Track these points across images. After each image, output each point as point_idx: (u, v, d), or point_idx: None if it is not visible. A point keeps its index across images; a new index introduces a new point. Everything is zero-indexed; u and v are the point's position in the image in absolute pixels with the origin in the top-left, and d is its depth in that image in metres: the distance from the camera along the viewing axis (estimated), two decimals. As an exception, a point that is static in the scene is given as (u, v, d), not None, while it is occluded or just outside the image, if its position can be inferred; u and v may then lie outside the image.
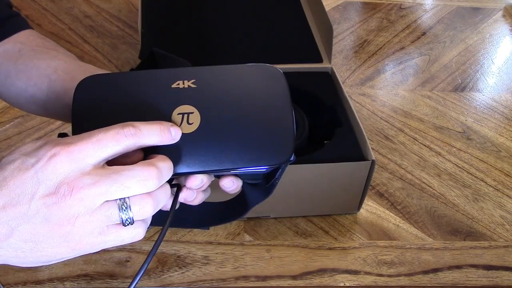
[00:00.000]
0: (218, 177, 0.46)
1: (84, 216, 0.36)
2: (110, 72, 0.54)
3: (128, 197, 0.37)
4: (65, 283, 0.63)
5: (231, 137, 0.42)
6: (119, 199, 0.37)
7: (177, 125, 0.41)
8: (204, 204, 0.47)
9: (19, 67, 0.56)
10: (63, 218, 0.36)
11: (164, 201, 0.40)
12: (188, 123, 0.42)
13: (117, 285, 0.63)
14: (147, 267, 0.41)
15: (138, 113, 0.42)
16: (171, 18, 0.94)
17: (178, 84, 0.43)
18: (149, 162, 0.38)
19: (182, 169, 0.41)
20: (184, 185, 0.44)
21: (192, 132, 0.42)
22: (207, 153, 0.42)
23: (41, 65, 0.55)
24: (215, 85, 0.44)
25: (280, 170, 0.45)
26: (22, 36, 0.59)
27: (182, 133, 0.41)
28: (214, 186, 0.47)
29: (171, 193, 0.45)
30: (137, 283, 0.41)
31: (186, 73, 0.44)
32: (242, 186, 0.47)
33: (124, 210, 0.37)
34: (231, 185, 0.46)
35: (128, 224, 0.37)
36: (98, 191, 0.36)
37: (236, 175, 0.46)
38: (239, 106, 0.43)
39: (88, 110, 0.42)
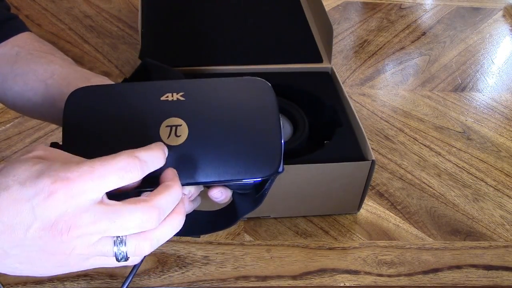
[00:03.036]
0: (208, 187, 0.46)
1: (80, 249, 0.35)
2: (108, 81, 0.55)
3: (125, 235, 0.36)
4: (65, 283, 0.63)
5: (218, 150, 0.42)
6: (116, 236, 0.36)
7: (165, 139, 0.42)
8: (194, 213, 0.47)
9: (16, 71, 0.56)
10: (59, 250, 0.35)
11: (166, 238, 0.38)
12: (176, 136, 0.42)
13: (117, 285, 0.63)
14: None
15: (127, 126, 0.42)
16: (171, 18, 0.93)
17: (167, 96, 0.44)
18: (151, 204, 0.36)
19: None
20: None
21: (180, 144, 0.42)
22: (194, 165, 0.42)
23: (38, 70, 0.55)
24: (203, 98, 0.45)
25: (269, 181, 0.45)
26: (20, 39, 0.59)
27: (170, 145, 0.41)
28: (204, 196, 0.47)
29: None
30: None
31: (175, 86, 0.45)
32: (232, 195, 0.47)
33: (119, 246, 0.36)
34: (219, 195, 0.46)
35: (122, 260, 0.37)
36: (95, 230, 0.35)
37: (225, 186, 0.46)
38: (227, 119, 0.44)
39: (78, 123, 0.43)
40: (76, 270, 0.37)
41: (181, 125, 0.42)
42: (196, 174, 0.42)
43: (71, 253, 0.35)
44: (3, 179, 0.35)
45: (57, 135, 0.82)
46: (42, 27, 1.05)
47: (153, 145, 0.39)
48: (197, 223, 0.51)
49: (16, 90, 0.56)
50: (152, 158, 0.38)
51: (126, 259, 0.37)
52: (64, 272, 0.37)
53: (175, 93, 0.44)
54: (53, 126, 0.83)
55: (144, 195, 0.38)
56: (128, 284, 0.43)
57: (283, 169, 0.44)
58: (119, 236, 0.36)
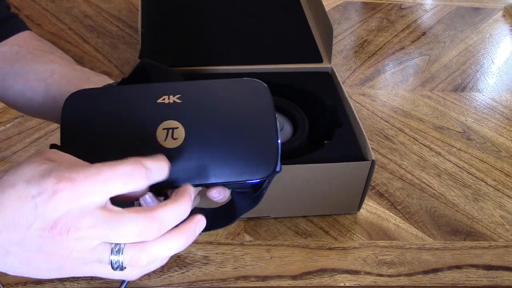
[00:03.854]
0: (206, 186, 0.46)
1: (78, 252, 0.35)
2: (108, 80, 0.55)
3: (124, 244, 0.36)
4: (65, 283, 0.63)
5: (215, 152, 0.43)
6: (114, 244, 0.36)
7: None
8: (193, 211, 0.48)
9: (17, 70, 0.56)
10: (57, 251, 0.35)
11: (165, 254, 0.37)
12: (173, 138, 0.42)
13: (117, 285, 0.63)
14: None
15: (124, 128, 0.42)
16: (171, 18, 0.93)
17: (164, 99, 0.44)
18: (152, 215, 0.36)
19: (166, 183, 0.41)
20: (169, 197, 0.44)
21: (177, 147, 0.42)
22: (191, 167, 0.42)
23: (38, 69, 0.55)
24: (200, 100, 0.45)
25: (267, 181, 0.45)
26: (20, 38, 0.59)
27: (167, 148, 0.41)
28: (203, 194, 0.47)
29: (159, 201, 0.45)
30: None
31: (171, 88, 0.45)
32: (231, 194, 0.48)
33: (115, 254, 0.36)
34: (218, 195, 0.46)
35: (117, 268, 0.36)
36: (94, 235, 0.35)
37: (223, 185, 0.46)
38: (223, 121, 0.44)
39: (75, 126, 0.43)
40: (72, 275, 0.37)
41: (177, 128, 0.43)
42: (193, 176, 0.42)
43: (68, 256, 0.35)
44: (11, 177, 0.35)
45: (57, 135, 0.82)
46: (42, 27, 1.05)
47: (158, 155, 0.38)
48: None
49: (16, 89, 0.56)
50: (157, 168, 0.37)
51: (122, 268, 0.36)
52: (60, 277, 0.37)
53: (171, 96, 0.44)
54: (53, 126, 0.83)
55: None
56: (125, 284, 0.43)
57: (280, 169, 0.44)
58: (117, 244, 0.35)
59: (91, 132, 0.42)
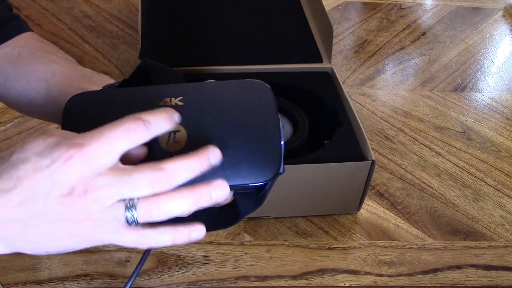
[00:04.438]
0: None
1: (96, 213, 0.37)
2: (110, 80, 0.55)
3: (137, 198, 0.37)
4: (65, 283, 0.63)
5: None
6: (128, 199, 0.37)
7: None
8: (196, 212, 0.47)
9: (18, 71, 0.56)
10: (77, 215, 0.36)
11: (176, 210, 0.38)
12: (175, 141, 0.42)
13: (117, 285, 0.63)
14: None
15: None
16: (171, 18, 0.93)
17: (166, 101, 0.43)
18: (160, 166, 0.37)
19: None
20: None
21: (179, 150, 0.42)
22: None
23: (40, 69, 0.55)
24: (202, 102, 0.44)
25: (270, 182, 0.45)
26: (22, 39, 0.59)
27: (169, 152, 0.41)
28: None
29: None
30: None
31: (173, 91, 0.44)
32: (234, 195, 0.48)
33: (129, 210, 0.37)
34: None
35: (132, 223, 0.38)
36: (110, 193, 0.36)
37: None
38: (226, 124, 0.44)
39: (76, 128, 0.43)
40: (88, 245, 0.39)
41: (179, 131, 0.42)
42: (196, 179, 0.41)
43: (87, 219, 0.37)
44: (21, 154, 0.36)
45: (57, 135, 0.82)
46: (42, 27, 1.05)
47: (157, 108, 0.39)
48: (199, 221, 0.51)
49: (18, 89, 0.56)
50: (156, 119, 0.38)
51: (136, 222, 0.37)
52: (77, 247, 0.39)
53: (173, 98, 0.44)
54: (53, 126, 0.83)
55: None
56: (130, 285, 0.43)
57: (283, 170, 0.43)
58: (131, 199, 0.37)
59: None
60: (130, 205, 0.37)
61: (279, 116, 0.45)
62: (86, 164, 0.36)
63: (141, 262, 0.42)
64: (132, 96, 0.44)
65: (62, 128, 0.43)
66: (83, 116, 0.44)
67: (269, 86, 0.47)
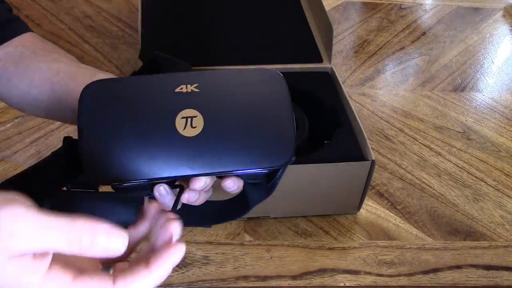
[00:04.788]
0: (220, 177, 0.46)
1: None
2: (114, 76, 0.55)
3: None
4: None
5: (233, 140, 0.43)
6: None
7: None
8: (206, 203, 0.48)
9: (21, 70, 0.56)
10: None
11: None
12: (192, 127, 0.42)
13: (117, 285, 0.63)
14: None
15: (144, 117, 0.43)
16: (171, 18, 0.94)
17: (182, 88, 0.44)
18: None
19: (186, 171, 0.42)
20: (187, 187, 0.45)
21: (196, 135, 0.42)
22: (210, 156, 0.42)
23: (43, 68, 0.55)
24: (217, 89, 0.45)
25: (281, 170, 0.45)
26: (23, 39, 0.59)
27: (186, 137, 0.42)
28: (215, 185, 0.47)
29: (174, 193, 0.45)
30: None
31: (189, 78, 0.45)
32: (244, 186, 0.48)
33: None
34: (232, 185, 0.46)
35: None
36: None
37: (237, 176, 0.46)
38: (241, 110, 0.44)
39: (94, 115, 0.43)
40: None
41: (196, 116, 0.43)
42: (212, 164, 0.42)
43: None
44: None
45: (57, 135, 0.82)
46: (42, 27, 1.05)
47: (117, 231, 0.34)
48: (209, 213, 0.52)
49: (21, 88, 0.56)
50: (105, 248, 0.34)
51: None
52: None
53: (189, 85, 0.44)
54: (53, 126, 0.83)
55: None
56: None
57: (294, 159, 0.44)
58: None
59: (110, 122, 0.42)
60: None
61: (292, 105, 0.46)
62: None
63: None
64: (148, 83, 0.45)
65: (79, 115, 0.43)
66: (100, 102, 0.44)
67: (281, 75, 0.47)
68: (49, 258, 0.33)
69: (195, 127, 0.42)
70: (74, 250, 0.33)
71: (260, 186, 0.48)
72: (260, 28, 0.93)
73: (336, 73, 0.82)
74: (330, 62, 0.84)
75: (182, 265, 0.66)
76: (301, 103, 0.78)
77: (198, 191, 0.45)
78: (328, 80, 0.82)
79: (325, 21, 0.86)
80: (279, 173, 0.46)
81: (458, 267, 0.69)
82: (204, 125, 0.43)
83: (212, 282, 0.64)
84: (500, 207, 0.77)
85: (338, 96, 0.78)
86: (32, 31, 0.61)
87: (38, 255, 0.33)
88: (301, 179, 0.68)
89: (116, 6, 1.13)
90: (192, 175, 0.43)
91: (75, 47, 1.00)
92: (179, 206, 0.45)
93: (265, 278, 0.65)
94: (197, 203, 0.46)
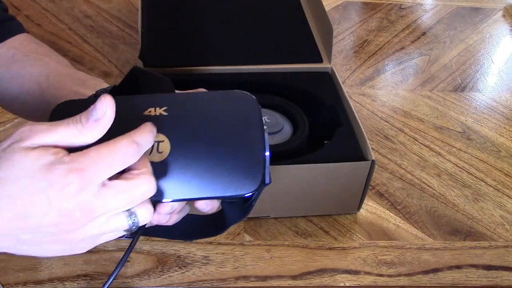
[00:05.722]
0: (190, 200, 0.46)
1: (93, 230, 0.37)
2: (103, 83, 0.55)
3: (134, 208, 0.38)
4: (65, 283, 0.63)
5: (201, 166, 0.42)
6: (127, 210, 0.38)
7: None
8: (185, 217, 0.47)
9: (12, 73, 0.56)
10: (74, 235, 0.37)
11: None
12: (158, 152, 0.42)
13: (117, 285, 0.63)
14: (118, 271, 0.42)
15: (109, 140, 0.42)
16: (171, 18, 0.93)
17: (150, 111, 0.43)
18: (141, 175, 0.38)
19: (152, 196, 0.41)
20: (155, 210, 0.44)
21: (162, 161, 0.41)
22: (175, 182, 0.41)
23: (34, 72, 0.55)
24: (187, 112, 0.44)
25: (255, 193, 0.44)
26: (16, 41, 0.59)
27: (152, 162, 0.41)
28: (192, 204, 0.47)
29: None
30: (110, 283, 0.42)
31: (158, 100, 0.44)
32: (222, 204, 0.47)
33: (131, 217, 0.38)
34: (205, 206, 0.46)
35: (134, 228, 0.39)
36: (108, 210, 0.37)
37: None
38: (210, 135, 0.43)
39: None
40: (82, 251, 0.39)
41: (163, 141, 0.42)
42: (179, 190, 0.42)
43: (83, 237, 0.37)
44: (9, 172, 0.35)
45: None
46: (42, 27, 1.05)
47: (143, 126, 0.39)
48: (188, 228, 0.51)
49: (12, 92, 0.56)
50: (146, 140, 0.39)
51: (138, 226, 0.39)
52: (67, 254, 0.39)
53: (157, 108, 0.43)
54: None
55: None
56: (110, 282, 0.43)
57: (270, 181, 0.43)
58: (129, 209, 0.38)
59: None
60: (129, 214, 0.38)
61: (277, 115, 0.45)
62: (85, 188, 0.35)
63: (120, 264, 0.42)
64: (116, 105, 0.42)
65: None
66: None
67: (254, 97, 0.46)
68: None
69: (161, 152, 0.41)
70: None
71: (237, 205, 0.47)
72: (260, 28, 0.93)
73: (336, 73, 0.82)
74: (330, 62, 0.84)
75: (182, 265, 0.66)
76: (301, 103, 0.78)
77: (167, 214, 0.45)
78: (328, 80, 0.82)
79: (325, 21, 0.86)
80: (254, 196, 0.44)
81: (458, 267, 0.69)
82: (170, 150, 0.42)
83: (212, 282, 0.64)
84: (500, 207, 0.77)
85: (338, 96, 0.78)
86: (27, 32, 0.61)
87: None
88: (301, 179, 0.68)
89: (116, 6, 1.13)
90: (156, 201, 0.42)
91: (75, 47, 1.00)
92: (152, 224, 0.44)
93: (265, 278, 0.65)
94: (170, 223, 0.46)
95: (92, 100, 0.47)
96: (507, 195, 0.79)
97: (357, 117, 0.72)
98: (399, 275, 0.67)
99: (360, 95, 0.95)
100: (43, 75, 0.55)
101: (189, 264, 0.66)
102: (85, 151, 0.37)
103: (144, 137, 0.39)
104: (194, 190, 0.42)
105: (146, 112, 0.43)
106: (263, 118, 0.45)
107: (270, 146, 0.44)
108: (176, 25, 0.92)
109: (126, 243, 0.53)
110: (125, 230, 0.39)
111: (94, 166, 0.36)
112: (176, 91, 0.50)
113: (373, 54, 1.06)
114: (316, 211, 0.73)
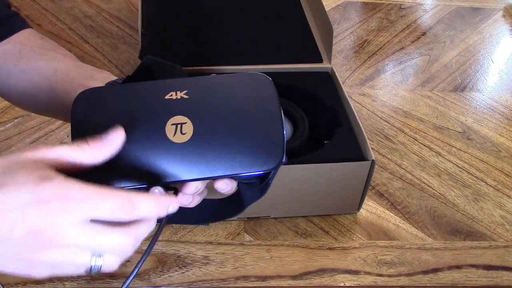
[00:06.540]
0: (213, 179, 0.47)
1: (57, 257, 0.36)
2: (111, 75, 0.55)
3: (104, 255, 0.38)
4: (65, 283, 0.63)
5: (223, 145, 0.44)
6: (94, 253, 0.37)
7: (175, 197, 0.43)
8: (202, 202, 0.48)
9: (20, 68, 0.56)
10: (36, 256, 0.36)
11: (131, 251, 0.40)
12: (182, 133, 0.43)
13: (117, 285, 0.63)
14: (139, 269, 0.43)
15: (134, 125, 0.43)
16: (171, 18, 0.93)
17: (171, 95, 0.45)
18: (130, 232, 0.38)
19: (177, 177, 0.43)
20: (180, 191, 0.45)
21: (186, 141, 0.43)
22: (200, 161, 0.43)
23: (41, 67, 0.55)
24: (206, 95, 0.46)
25: (273, 171, 0.46)
26: (22, 36, 0.59)
27: (176, 143, 0.43)
28: (210, 186, 0.48)
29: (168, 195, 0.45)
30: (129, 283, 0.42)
31: (178, 84, 0.46)
32: (238, 185, 0.49)
33: (96, 259, 0.38)
34: (225, 187, 0.47)
35: (95, 272, 0.38)
36: (78, 245, 0.36)
37: (230, 177, 0.46)
38: (230, 115, 0.45)
39: (86, 124, 0.44)
40: (37, 276, 0.38)
41: (186, 123, 0.44)
42: (203, 169, 0.43)
43: (44, 262, 0.36)
44: (3, 178, 0.35)
45: (57, 135, 0.82)
46: (42, 27, 1.05)
47: (155, 197, 0.40)
48: (206, 211, 0.52)
49: (20, 87, 0.56)
50: (148, 208, 0.38)
51: (99, 271, 0.38)
52: (22, 274, 0.38)
53: (178, 92, 0.45)
54: (53, 126, 0.83)
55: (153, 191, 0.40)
56: (128, 284, 0.43)
57: (286, 160, 0.45)
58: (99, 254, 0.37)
59: (102, 131, 0.43)
60: (97, 257, 0.37)
61: (281, 108, 0.46)
62: (62, 215, 0.35)
63: (141, 261, 0.43)
64: (138, 91, 0.46)
65: (72, 124, 0.44)
66: (92, 111, 0.45)
67: (270, 79, 0.48)
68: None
69: (184, 134, 0.43)
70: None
71: (254, 186, 0.49)
72: (260, 28, 0.93)
73: (336, 73, 0.82)
74: (330, 62, 0.84)
75: (182, 265, 0.66)
76: (301, 103, 0.78)
77: (191, 195, 0.46)
78: (328, 80, 0.82)
79: (325, 21, 0.86)
80: (271, 174, 0.46)
81: (458, 267, 0.69)
82: (193, 131, 0.43)
83: (212, 282, 0.64)
84: (500, 207, 0.77)
85: (338, 96, 0.78)
86: (31, 27, 0.61)
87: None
88: (301, 179, 0.68)
89: (116, 6, 1.13)
90: (183, 180, 0.43)
91: (75, 47, 1.00)
92: (174, 210, 0.45)
93: (265, 278, 0.65)
94: (192, 205, 0.47)
95: (113, 87, 0.48)
96: (507, 195, 0.79)
97: (357, 117, 0.72)
98: (399, 275, 0.67)
99: (360, 95, 0.95)
100: (51, 70, 0.55)
101: (189, 264, 0.66)
102: (80, 183, 0.37)
103: (148, 204, 0.38)
104: (218, 169, 0.43)
105: (168, 96, 0.45)
106: None
107: None
108: (176, 25, 0.92)
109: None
110: (85, 270, 0.38)
111: (80, 201, 0.36)
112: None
113: (373, 54, 1.06)
114: (316, 211, 0.73)
